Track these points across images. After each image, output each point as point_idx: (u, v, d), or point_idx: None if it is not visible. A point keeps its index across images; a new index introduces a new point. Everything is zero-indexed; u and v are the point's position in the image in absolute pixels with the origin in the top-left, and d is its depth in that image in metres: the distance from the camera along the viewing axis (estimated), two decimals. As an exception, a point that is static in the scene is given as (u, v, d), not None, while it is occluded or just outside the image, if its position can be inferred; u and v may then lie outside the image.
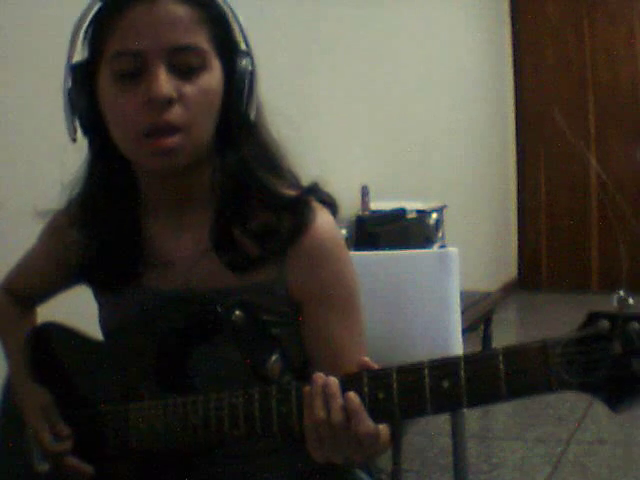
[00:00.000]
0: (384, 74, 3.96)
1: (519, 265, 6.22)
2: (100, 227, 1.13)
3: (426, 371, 0.87)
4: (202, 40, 1.04)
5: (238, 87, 1.08)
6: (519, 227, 6.20)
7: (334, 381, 0.91)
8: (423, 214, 3.46)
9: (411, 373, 0.89)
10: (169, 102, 1.01)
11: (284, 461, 1.12)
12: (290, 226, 1.08)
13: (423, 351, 1.58)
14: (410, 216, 3.33)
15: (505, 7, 6.01)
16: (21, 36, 1.98)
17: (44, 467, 1.17)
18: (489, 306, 3.22)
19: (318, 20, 3.41)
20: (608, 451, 2.93)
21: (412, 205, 3.38)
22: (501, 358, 0.84)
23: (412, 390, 0.88)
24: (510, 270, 6.11)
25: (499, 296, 5.07)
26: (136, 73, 1.02)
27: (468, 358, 0.86)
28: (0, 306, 1.32)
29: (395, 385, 0.89)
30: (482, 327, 3.23)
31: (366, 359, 0.93)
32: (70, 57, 1.08)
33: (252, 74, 1.09)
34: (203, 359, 1.06)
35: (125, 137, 1.05)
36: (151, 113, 1.01)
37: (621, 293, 0.81)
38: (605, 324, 0.80)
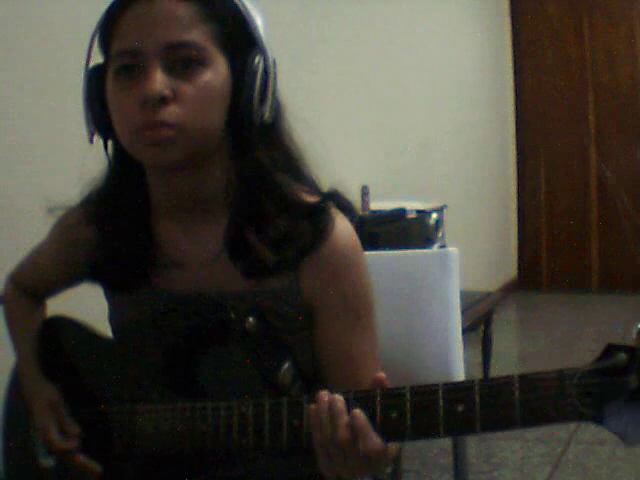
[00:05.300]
0: (384, 74, 3.96)
1: (519, 265, 6.22)
2: (112, 227, 1.12)
3: (440, 393, 0.86)
4: (202, 37, 1.01)
5: (246, 85, 1.04)
6: (519, 227, 6.20)
7: (339, 399, 0.90)
8: (423, 214, 3.45)
9: (425, 394, 0.87)
10: (162, 101, 0.99)
11: (285, 464, 1.11)
12: (308, 235, 1.06)
13: (423, 351, 1.58)
14: (410, 216, 3.33)
15: (505, 7, 6.01)
16: (22, 35, 1.98)
17: (49, 462, 1.18)
18: (489, 306, 3.22)
19: (319, 20, 3.41)
20: (608, 451, 2.92)
21: (412, 205, 3.37)
22: (517, 385, 0.83)
23: (425, 411, 0.87)
24: (510, 270, 6.11)
25: (499, 296, 5.07)
26: (135, 72, 1.01)
27: (483, 383, 0.85)
28: (9, 298, 1.31)
29: (408, 405, 0.88)
30: (482, 327, 3.23)
31: (382, 375, 0.92)
32: (87, 62, 1.08)
33: (266, 72, 1.05)
34: (213, 363, 1.05)
35: (122, 134, 1.04)
36: (145, 111, 1.00)
37: None
38: (623, 357, 0.79)
